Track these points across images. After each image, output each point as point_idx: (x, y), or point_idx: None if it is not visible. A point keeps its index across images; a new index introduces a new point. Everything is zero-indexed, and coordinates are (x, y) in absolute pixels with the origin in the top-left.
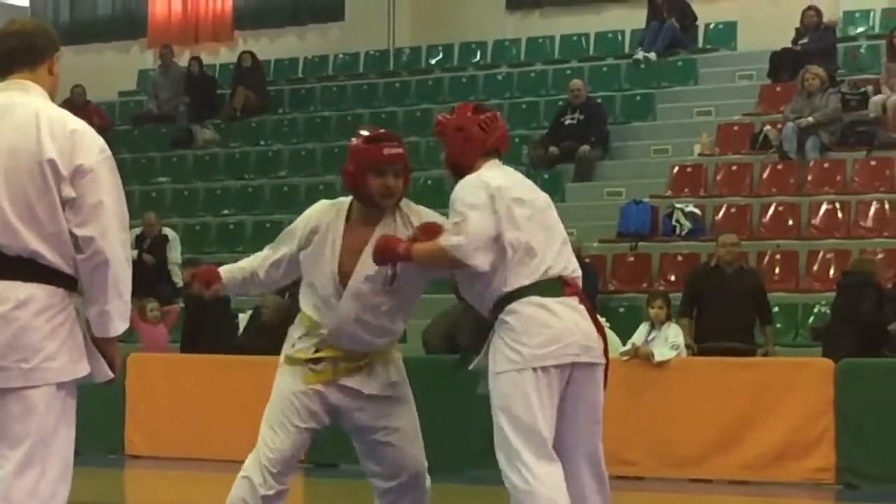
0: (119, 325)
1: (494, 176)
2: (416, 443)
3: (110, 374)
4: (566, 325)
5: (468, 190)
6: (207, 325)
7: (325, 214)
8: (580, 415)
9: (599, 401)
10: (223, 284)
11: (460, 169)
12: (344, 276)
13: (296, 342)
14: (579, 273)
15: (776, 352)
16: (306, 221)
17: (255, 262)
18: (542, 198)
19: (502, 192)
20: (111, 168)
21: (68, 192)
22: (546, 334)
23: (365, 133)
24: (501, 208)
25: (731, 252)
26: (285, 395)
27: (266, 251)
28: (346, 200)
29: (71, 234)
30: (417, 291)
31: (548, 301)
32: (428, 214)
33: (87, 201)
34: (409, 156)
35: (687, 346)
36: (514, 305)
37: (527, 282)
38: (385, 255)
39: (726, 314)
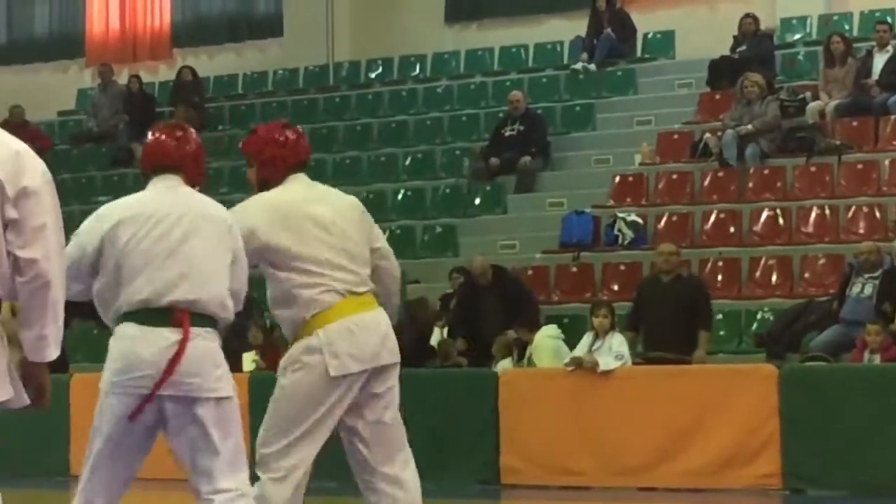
0: (54, 351)
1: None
2: None
3: (27, 401)
4: (144, 357)
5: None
6: None
7: None
8: (183, 446)
9: (203, 432)
10: None
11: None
12: None
13: None
14: (217, 302)
15: (718, 359)
16: None
17: None
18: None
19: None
20: (53, 190)
21: (11, 213)
22: (121, 363)
23: None
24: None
25: (668, 261)
26: None
27: None
28: None
29: (10, 255)
30: (267, 270)
31: (139, 331)
32: None
33: (31, 223)
34: (351, 170)
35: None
36: (117, 328)
37: (128, 308)
38: None
39: (664, 323)
